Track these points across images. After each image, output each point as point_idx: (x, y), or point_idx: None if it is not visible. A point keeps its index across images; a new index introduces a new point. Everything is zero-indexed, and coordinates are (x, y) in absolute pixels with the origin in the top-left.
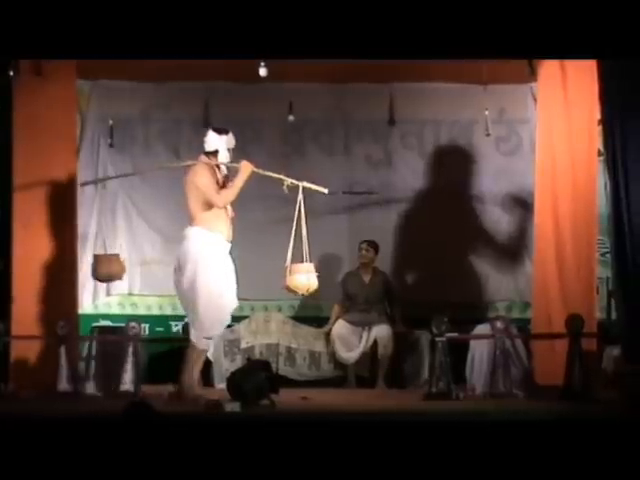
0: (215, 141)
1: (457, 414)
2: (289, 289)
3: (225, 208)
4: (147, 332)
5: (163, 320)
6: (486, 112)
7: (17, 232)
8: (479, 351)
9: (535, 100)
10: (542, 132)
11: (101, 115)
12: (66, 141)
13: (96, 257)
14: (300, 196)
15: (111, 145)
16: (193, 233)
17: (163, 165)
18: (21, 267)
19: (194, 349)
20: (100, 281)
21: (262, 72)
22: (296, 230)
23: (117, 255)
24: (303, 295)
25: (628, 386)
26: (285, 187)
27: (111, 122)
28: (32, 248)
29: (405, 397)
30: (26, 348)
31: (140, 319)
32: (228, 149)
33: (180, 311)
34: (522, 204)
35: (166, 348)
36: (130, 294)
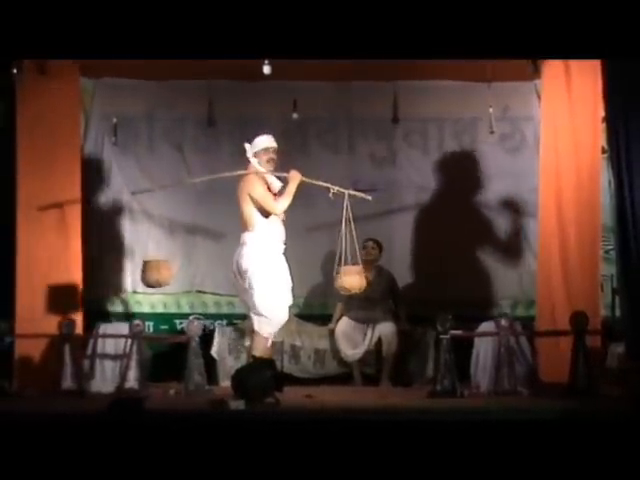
0: (247, 150)
1: (462, 412)
2: (344, 289)
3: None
4: (151, 330)
5: (167, 318)
6: (490, 109)
7: (21, 230)
8: (484, 349)
9: (539, 97)
10: (546, 129)
11: (105, 113)
12: (70, 139)
13: (145, 263)
14: (346, 203)
15: (115, 143)
16: (250, 239)
17: (213, 175)
18: (25, 265)
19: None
20: (149, 287)
21: (266, 70)
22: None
23: (166, 261)
24: (356, 293)
25: (632, 383)
26: (331, 194)
27: (115, 120)
28: (36, 246)
29: (410, 395)
30: (30, 346)
31: (144, 317)
32: (255, 154)
33: (184, 309)
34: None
35: (170, 346)
36: (134, 292)
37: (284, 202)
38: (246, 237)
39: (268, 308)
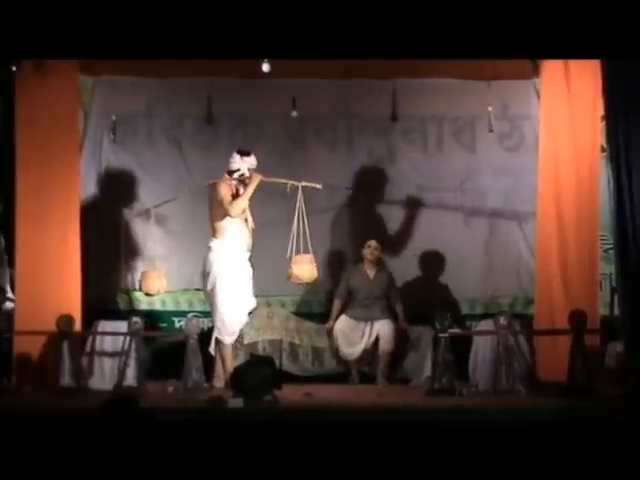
0: (238, 162)
1: (460, 410)
2: (294, 278)
3: (246, 221)
4: (150, 328)
5: (166, 316)
6: (489, 108)
7: (20, 227)
8: (482, 347)
9: (538, 96)
10: (545, 128)
11: (104, 110)
12: (69, 136)
13: (144, 274)
14: (300, 195)
15: (114, 141)
16: (214, 246)
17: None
18: (24, 262)
19: (222, 345)
20: (147, 295)
21: (265, 68)
22: (297, 225)
23: (160, 271)
24: (307, 284)
25: (631, 382)
26: (288, 189)
27: (114, 118)
28: (35, 243)
29: (408, 393)
30: (29, 343)
31: (143, 314)
32: (249, 169)
33: (183, 307)
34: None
35: (169, 344)
36: (133, 289)
37: (238, 203)
38: (211, 244)
39: (224, 315)
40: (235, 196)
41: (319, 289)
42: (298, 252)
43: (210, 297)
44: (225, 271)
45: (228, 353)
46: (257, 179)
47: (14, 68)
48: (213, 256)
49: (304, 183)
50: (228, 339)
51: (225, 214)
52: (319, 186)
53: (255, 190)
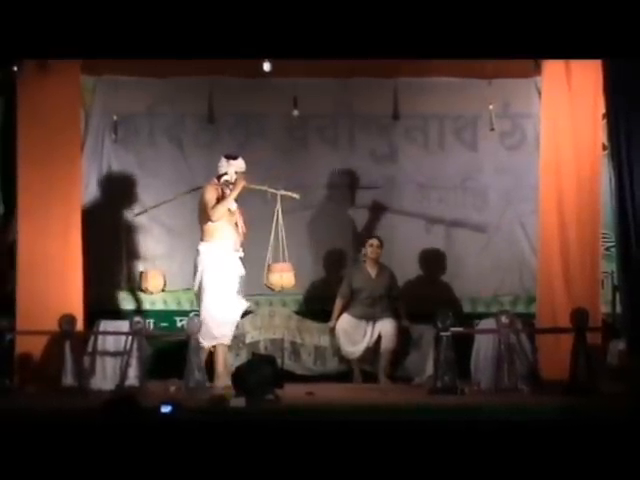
0: (225, 166)
1: (462, 409)
2: (266, 286)
3: (236, 225)
4: (152, 327)
5: (168, 315)
6: (490, 107)
7: (22, 227)
8: (484, 346)
9: (539, 94)
10: (546, 126)
11: (105, 110)
12: (70, 136)
13: (142, 273)
14: (278, 205)
15: (115, 141)
16: (201, 249)
17: (184, 192)
18: (26, 262)
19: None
20: (144, 293)
21: (266, 67)
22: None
23: (160, 271)
24: (279, 291)
25: (633, 380)
26: (269, 195)
27: (115, 118)
28: (37, 243)
29: (410, 392)
30: (31, 343)
31: (144, 314)
32: (236, 172)
33: (184, 306)
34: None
35: (170, 343)
36: (135, 289)
37: (219, 208)
38: (199, 247)
39: (206, 318)
40: (221, 200)
41: (320, 288)
42: (282, 259)
43: (197, 298)
44: (212, 273)
45: (204, 356)
46: (240, 185)
47: (16, 68)
48: (200, 259)
49: (282, 192)
50: (206, 343)
51: (207, 215)
52: (296, 196)
53: (240, 194)
